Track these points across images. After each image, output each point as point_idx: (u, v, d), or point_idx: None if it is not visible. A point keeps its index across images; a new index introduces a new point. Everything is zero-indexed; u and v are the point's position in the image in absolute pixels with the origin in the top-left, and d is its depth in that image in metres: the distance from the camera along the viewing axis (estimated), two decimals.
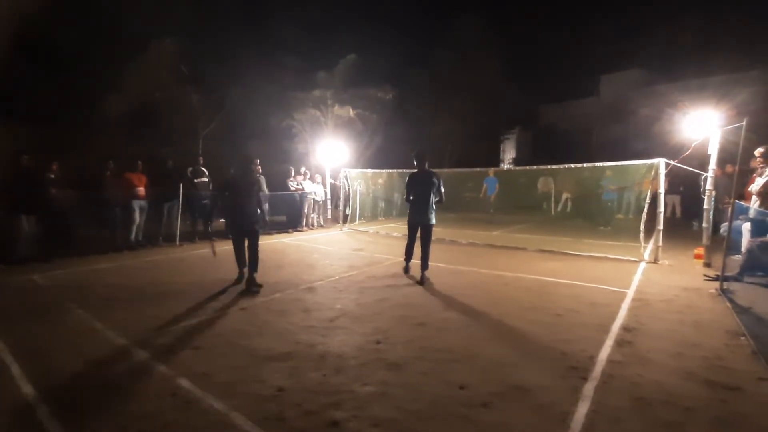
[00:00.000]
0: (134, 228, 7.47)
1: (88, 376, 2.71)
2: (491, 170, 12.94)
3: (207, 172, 8.86)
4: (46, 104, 11.45)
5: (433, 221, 5.33)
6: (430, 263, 5.36)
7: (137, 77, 12.54)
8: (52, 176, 6.66)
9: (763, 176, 5.19)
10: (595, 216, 11.44)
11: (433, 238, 5.55)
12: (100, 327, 3.57)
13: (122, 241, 7.34)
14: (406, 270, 5.61)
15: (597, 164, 8.59)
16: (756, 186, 5.27)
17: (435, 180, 5.21)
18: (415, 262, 5.77)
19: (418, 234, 5.42)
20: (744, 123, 4.58)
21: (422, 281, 5.15)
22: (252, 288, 4.66)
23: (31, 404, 2.35)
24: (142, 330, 3.48)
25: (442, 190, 5.29)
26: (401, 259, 6.19)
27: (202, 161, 8.99)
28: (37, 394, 2.45)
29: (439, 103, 20.17)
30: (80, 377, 2.69)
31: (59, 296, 4.52)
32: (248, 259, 4.78)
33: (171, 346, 3.19)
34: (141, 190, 7.46)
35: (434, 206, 5.26)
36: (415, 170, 5.40)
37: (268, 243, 8.51)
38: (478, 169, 12.80)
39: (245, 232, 4.80)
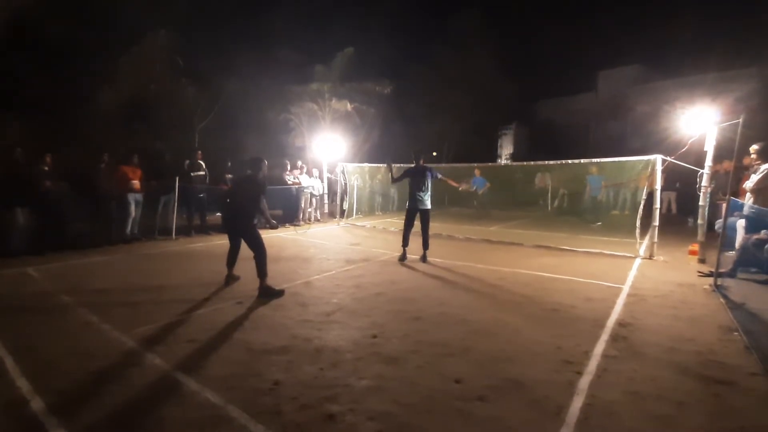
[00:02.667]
0: (130, 221, 7.42)
1: (82, 369, 2.69)
2: (477, 170, 12.67)
3: (204, 165, 8.80)
4: (40, 96, 11.31)
5: (429, 206, 6.08)
6: (428, 258, 6.07)
7: (132, 69, 12.39)
8: (46, 169, 6.59)
9: (758, 173, 5.21)
10: (584, 213, 11.35)
11: (430, 233, 6.15)
12: (95, 320, 3.55)
13: (117, 235, 7.30)
14: (403, 257, 6.00)
15: (594, 160, 8.61)
16: (750, 183, 5.28)
17: (428, 172, 6.07)
18: (412, 257, 5.88)
19: (416, 221, 6.14)
20: (741, 120, 4.59)
21: (423, 259, 5.98)
22: (263, 297, 4.24)
23: (26, 398, 2.34)
24: (138, 323, 3.46)
25: (439, 175, 6.27)
26: (398, 253, 6.22)
27: (200, 155, 8.92)
28: (32, 388, 2.43)
29: (437, 98, 20.11)
30: (75, 371, 2.67)
31: (54, 289, 4.49)
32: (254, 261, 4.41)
33: (166, 339, 3.18)
34: (136, 183, 7.40)
35: (429, 194, 6.05)
36: (413, 165, 6.21)
37: (265, 237, 8.47)
38: (475, 165, 12.76)
39: (231, 229, 4.66)
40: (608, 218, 10.87)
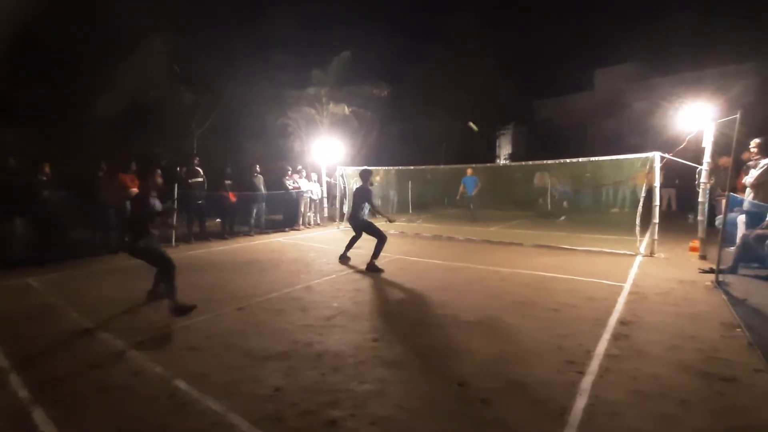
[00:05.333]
0: None
1: (83, 378, 2.69)
2: (469, 169, 12.35)
3: (202, 172, 8.80)
4: (37, 105, 11.32)
5: (367, 221, 6.01)
6: (428, 260, 6.18)
7: (129, 76, 12.39)
8: (44, 178, 6.60)
9: (758, 168, 5.20)
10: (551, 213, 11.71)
11: (429, 234, 6.15)
12: (96, 329, 3.55)
13: (117, 243, 7.28)
14: (342, 257, 6.16)
15: (592, 159, 8.59)
16: (750, 178, 5.28)
17: (366, 194, 6.03)
18: (410, 258, 5.85)
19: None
20: (738, 116, 4.59)
21: (366, 267, 5.67)
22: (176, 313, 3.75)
23: (27, 407, 2.33)
24: (139, 332, 3.46)
25: (374, 202, 6.17)
26: (398, 256, 6.23)
27: (197, 161, 8.92)
28: (33, 397, 2.43)
29: (435, 100, 20.12)
30: (76, 380, 2.67)
31: (55, 299, 4.48)
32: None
33: (167, 347, 3.17)
34: (135, 190, 7.39)
35: (364, 211, 6.03)
36: (361, 184, 6.24)
37: (265, 243, 8.50)
38: (474, 166, 12.71)
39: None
40: (608, 216, 10.88)
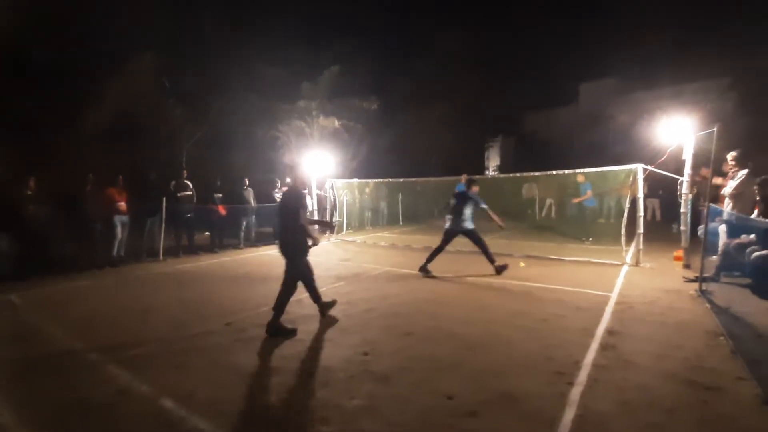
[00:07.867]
0: (116, 244, 7.31)
1: (67, 398, 2.62)
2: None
3: (191, 186, 8.74)
4: (24, 118, 11.19)
5: (466, 227, 6.32)
6: (419, 271, 6.28)
7: (118, 91, 12.37)
8: (29, 192, 6.49)
9: (736, 179, 5.37)
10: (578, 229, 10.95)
11: (420, 246, 6.16)
12: (80, 347, 3.47)
13: (104, 258, 7.17)
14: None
15: (578, 171, 8.77)
16: (729, 188, 5.44)
17: (465, 197, 6.31)
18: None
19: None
20: (715, 129, 4.74)
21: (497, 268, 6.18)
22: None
23: (9, 429, 2.27)
24: (124, 349, 3.39)
25: (482, 204, 6.39)
26: (388, 268, 6.22)
27: (186, 174, 8.87)
28: (15, 419, 2.36)
29: (424, 112, 20.39)
30: (59, 399, 2.60)
31: (37, 316, 4.38)
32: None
33: (153, 364, 3.11)
34: (122, 204, 7.32)
35: (465, 215, 6.28)
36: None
37: (255, 256, 8.43)
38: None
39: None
40: (594, 227, 10.94)
